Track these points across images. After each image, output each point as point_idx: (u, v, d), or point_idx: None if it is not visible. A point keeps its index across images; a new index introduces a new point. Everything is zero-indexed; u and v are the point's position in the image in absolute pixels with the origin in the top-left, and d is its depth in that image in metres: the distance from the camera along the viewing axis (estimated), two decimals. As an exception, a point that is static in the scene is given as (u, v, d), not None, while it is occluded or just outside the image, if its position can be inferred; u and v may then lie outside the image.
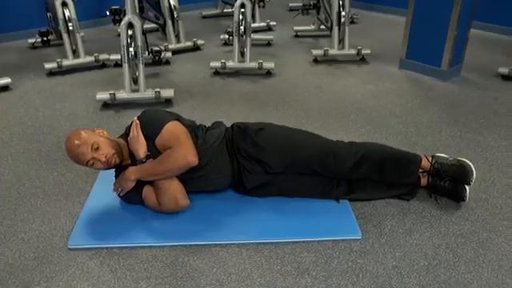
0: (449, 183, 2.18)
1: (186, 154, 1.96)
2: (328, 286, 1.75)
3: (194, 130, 2.14)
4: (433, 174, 2.23)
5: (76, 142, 1.95)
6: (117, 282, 1.78)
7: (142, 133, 2.04)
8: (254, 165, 2.13)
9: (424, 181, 2.24)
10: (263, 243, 1.96)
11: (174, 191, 2.03)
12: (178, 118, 2.11)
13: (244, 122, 2.25)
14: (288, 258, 1.89)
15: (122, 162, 2.07)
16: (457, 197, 2.18)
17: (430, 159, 2.22)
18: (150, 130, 2.04)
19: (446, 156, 2.28)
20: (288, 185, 2.17)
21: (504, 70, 3.86)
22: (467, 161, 2.18)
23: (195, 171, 2.04)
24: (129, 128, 2.13)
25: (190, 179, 2.06)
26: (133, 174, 2.02)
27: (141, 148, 2.03)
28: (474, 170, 2.14)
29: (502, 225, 2.09)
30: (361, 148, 2.18)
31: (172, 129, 2.03)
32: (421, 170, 2.22)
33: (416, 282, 1.77)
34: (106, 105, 3.38)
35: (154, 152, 2.03)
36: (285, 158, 2.11)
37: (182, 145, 1.98)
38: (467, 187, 2.15)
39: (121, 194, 2.10)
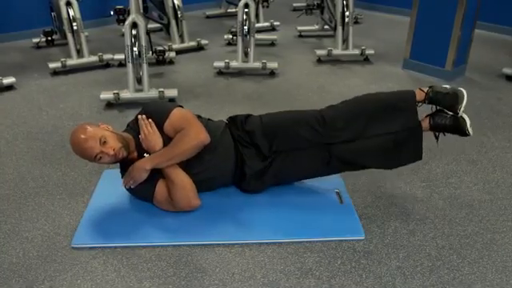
0: (449, 120, 2.10)
1: (198, 133, 2.02)
2: (331, 286, 1.75)
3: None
4: (432, 115, 2.15)
5: (83, 136, 1.95)
6: (120, 281, 1.78)
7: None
8: (251, 149, 2.15)
9: (426, 124, 2.15)
10: (266, 243, 1.96)
11: (188, 190, 2.04)
12: (182, 107, 2.18)
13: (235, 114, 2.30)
14: (291, 258, 1.89)
15: (129, 155, 2.08)
16: (460, 132, 2.10)
17: (425, 89, 2.14)
18: (158, 118, 2.06)
19: (445, 86, 2.16)
20: (286, 167, 2.15)
21: (508, 71, 3.85)
22: (463, 90, 2.07)
23: (203, 154, 2.06)
24: (134, 123, 2.14)
25: (195, 165, 2.07)
26: (147, 163, 2.01)
27: (157, 144, 2.04)
28: (465, 98, 2.04)
29: (507, 226, 2.09)
30: (348, 105, 2.15)
31: (179, 113, 2.09)
32: (419, 104, 2.14)
33: (420, 282, 1.77)
34: (109, 104, 3.39)
35: (164, 142, 2.05)
36: (274, 132, 2.13)
37: (193, 125, 2.04)
38: (467, 120, 2.05)
39: (132, 186, 2.06)
